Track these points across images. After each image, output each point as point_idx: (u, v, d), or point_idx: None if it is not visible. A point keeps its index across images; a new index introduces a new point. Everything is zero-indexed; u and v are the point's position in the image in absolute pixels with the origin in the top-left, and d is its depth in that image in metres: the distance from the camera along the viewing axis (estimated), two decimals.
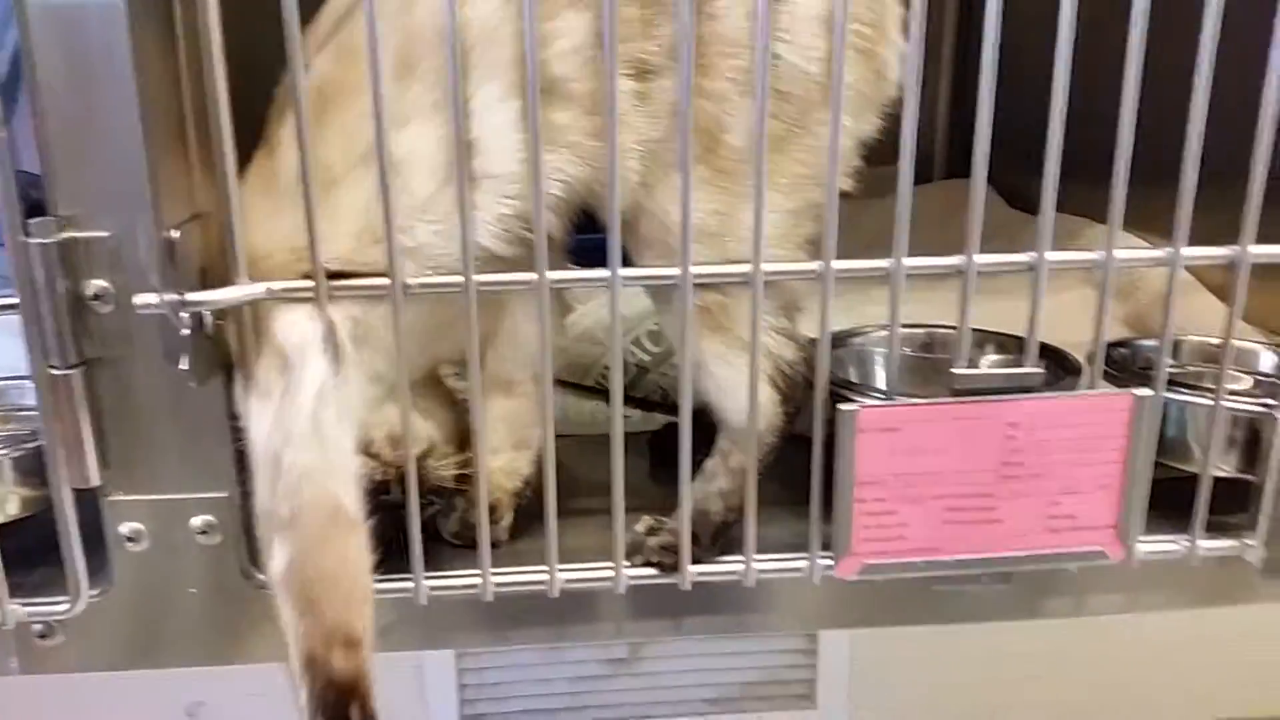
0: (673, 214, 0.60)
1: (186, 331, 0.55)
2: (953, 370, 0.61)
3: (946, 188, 1.55)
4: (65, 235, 0.56)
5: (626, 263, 0.60)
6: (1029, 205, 1.41)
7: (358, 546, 0.55)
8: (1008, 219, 1.35)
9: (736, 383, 0.63)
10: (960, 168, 1.66)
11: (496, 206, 0.61)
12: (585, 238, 0.66)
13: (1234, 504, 0.69)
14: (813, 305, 0.62)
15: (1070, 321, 0.70)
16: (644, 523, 0.67)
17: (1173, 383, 0.71)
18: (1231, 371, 0.74)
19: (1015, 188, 1.39)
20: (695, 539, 0.64)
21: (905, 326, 0.81)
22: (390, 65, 0.59)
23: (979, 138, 0.57)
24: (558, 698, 1.36)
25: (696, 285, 0.59)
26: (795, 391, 0.67)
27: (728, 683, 1.37)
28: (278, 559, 0.54)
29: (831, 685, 1.38)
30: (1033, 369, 0.62)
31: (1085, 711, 1.40)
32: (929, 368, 0.81)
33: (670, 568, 0.64)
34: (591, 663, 1.36)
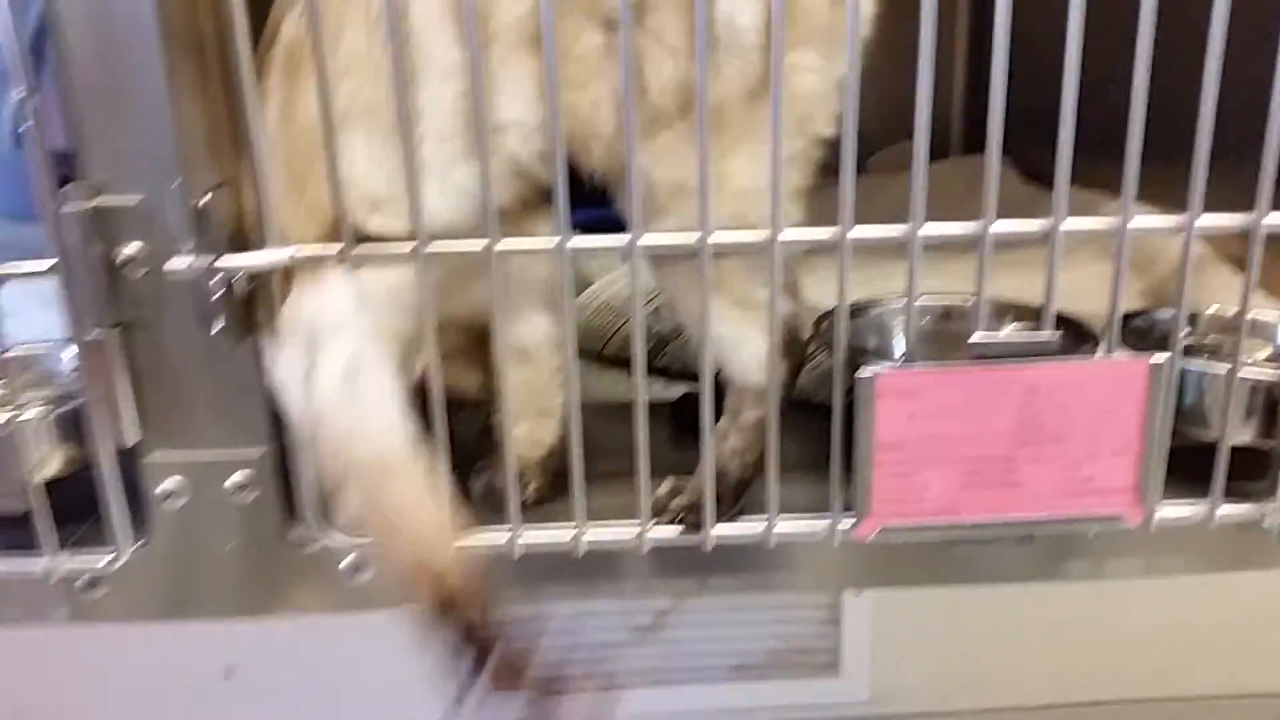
0: (653, 173, 0.60)
1: (217, 296, 0.57)
2: (971, 338, 0.62)
3: (963, 164, 1.54)
4: (97, 202, 0.58)
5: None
6: (1046, 180, 1.40)
7: (417, 488, 0.57)
8: (1024, 194, 1.35)
9: (736, 340, 0.64)
10: (977, 144, 1.65)
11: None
12: (589, 211, 0.66)
13: (1253, 471, 0.69)
14: (831, 273, 0.63)
15: (1090, 294, 0.71)
16: (667, 484, 0.68)
17: (1191, 352, 0.71)
18: (1249, 340, 0.74)
19: (1032, 162, 1.39)
20: (717, 499, 0.65)
21: (924, 297, 0.82)
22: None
23: (994, 106, 0.57)
24: (582, 664, 1.38)
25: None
26: (795, 346, 0.67)
27: (752, 650, 1.39)
28: (345, 513, 0.57)
29: (855, 653, 1.39)
30: (1050, 334, 0.62)
31: (1106, 676, 1.41)
32: (948, 337, 0.82)
33: (694, 526, 0.66)
34: (617, 629, 1.38)
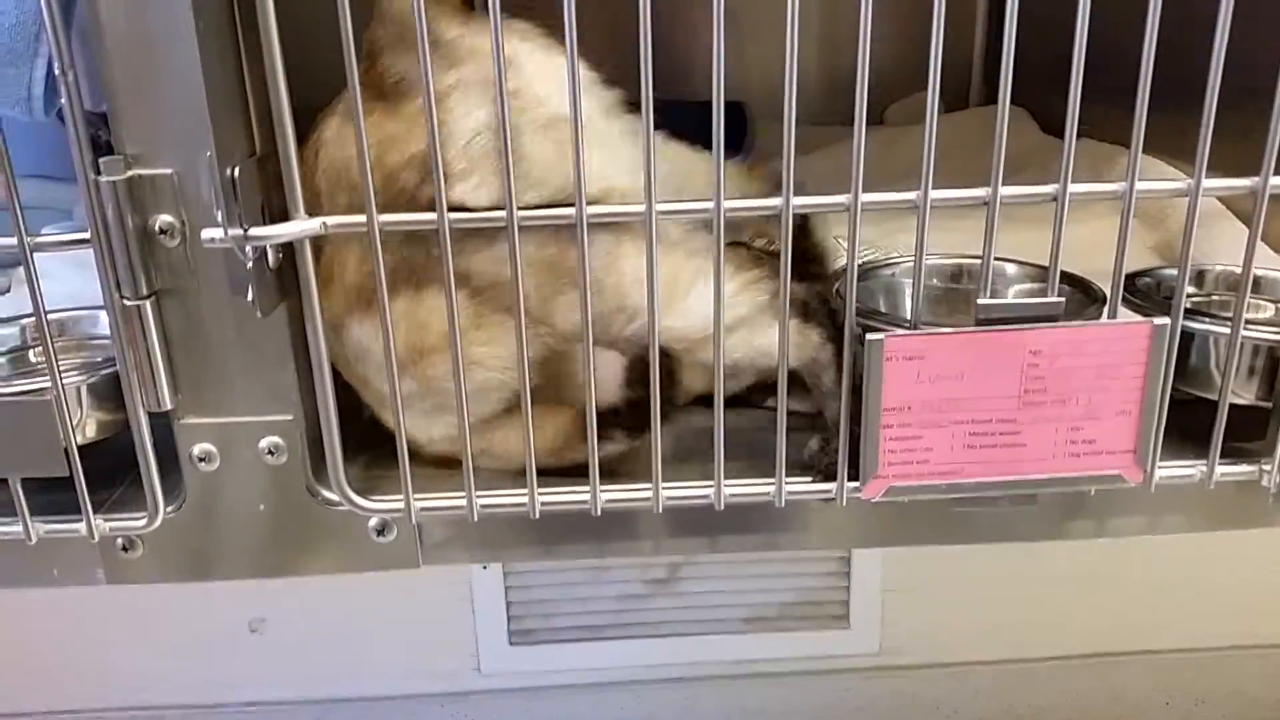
0: None
1: (250, 265, 0.59)
2: (977, 301, 0.63)
3: (982, 114, 1.54)
4: (132, 173, 0.60)
5: None
6: (1061, 130, 1.40)
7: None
8: (1043, 145, 1.35)
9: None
10: (997, 93, 1.65)
11: None
12: None
13: (1255, 431, 0.71)
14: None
15: (1104, 249, 0.72)
16: (816, 440, 0.72)
17: (1197, 312, 0.72)
18: (1254, 300, 0.75)
19: (1052, 113, 1.39)
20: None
21: (935, 257, 0.84)
22: None
23: (1004, 72, 0.58)
24: (601, 615, 1.42)
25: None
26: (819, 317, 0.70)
27: (764, 603, 1.43)
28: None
29: (864, 606, 1.43)
30: (1055, 298, 0.64)
31: (1111, 629, 1.44)
32: (958, 299, 0.83)
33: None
34: (634, 582, 1.42)
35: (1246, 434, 0.71)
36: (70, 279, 0.85)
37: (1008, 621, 1.47)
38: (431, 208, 0.59)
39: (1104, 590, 1.45)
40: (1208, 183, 0.62)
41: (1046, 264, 0.66)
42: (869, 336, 0.62)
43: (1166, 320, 0.63)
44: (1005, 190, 0.62)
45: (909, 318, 0.81)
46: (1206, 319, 0.71)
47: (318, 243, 0.61)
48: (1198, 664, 1.50)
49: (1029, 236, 0.74)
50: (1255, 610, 1.46)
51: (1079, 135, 1.28)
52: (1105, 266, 0.76)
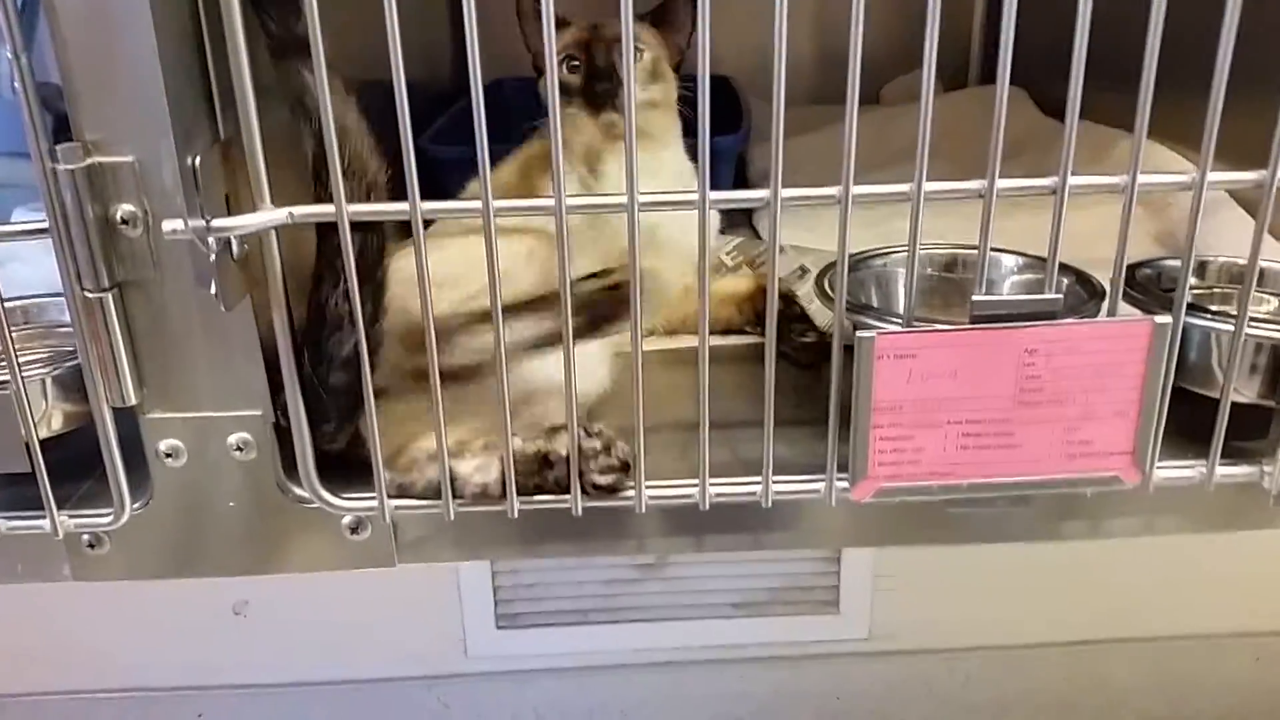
0: None
1: (214, 257, 0.56)
2: (973, 297, 0.61)
3: (981, 94, 1.51)
4: (91, 160, 0.57)
5: None
6: (1061, 111, 1.37)
7: None
8: (1042, 127, 1.32)
9: None
10: (996, 73, 1.62)
11: None
12: None
13: (1255, 430, 0.69)
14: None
15: (1102, 237, 0.69)
16: None
17: (1199, 307, 0.70)
18: (1256, 293, 0.73)
19: (1051, 94, 1.36)
20: None
21: (929, 246, 0.81)
22: None
23: (1002, 64, 0.56)
24: (589, 599, 1.41)
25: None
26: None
27: (754, 588, 1.41)
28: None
29: (855, 592, 1.42)
30: (1053, 295, 0.62)
31: (1097, 616, 1.43)
32: (952, 289, 0.81)
33: None
34: (622, 567, 1.40)
35: (1246, 432, 0.69)
36: (42, 261, 0.82)
37: (998, 607, 1.46)
38: None
39: (1094, 577, 1.45)
40: (1213, 175, 0.60)
41: (1043, 254, 0.64)
42: (858, 334, 0.60)
43: (1167, 318, 0.61)
44: (1002, 183, 0.60)
45: (900, 311, 0.79)
46: (1209, 315, 0.69)
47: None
48: (1187, 651, 1.50)
49: (1026, 221, 0.72)
50: (1245, 598, 1.46)
51: (1081, 119, 1.25)
52: (1104, 254, 0.74)
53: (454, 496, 0.64)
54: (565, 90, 0.99)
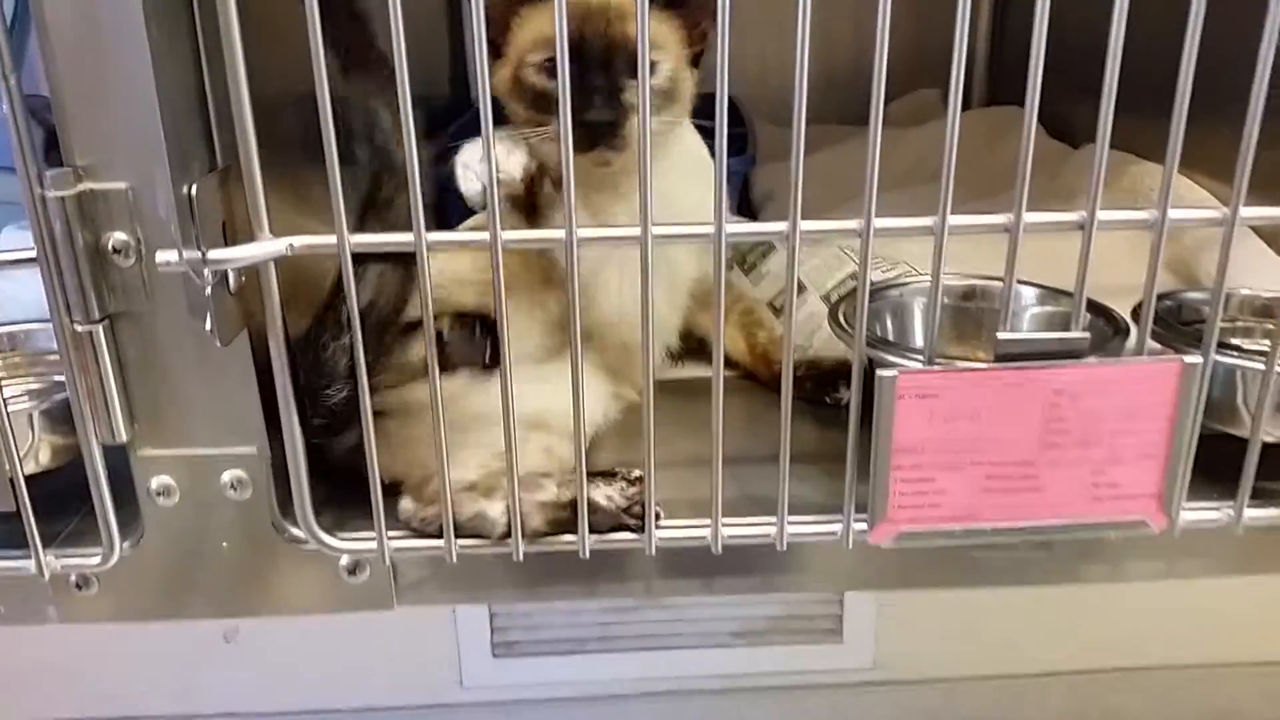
0: None
1: (209, 290, 0.54)
2: (997, 335, 0.59)
3: (987, 115, 1.50)
4: (83, 187, 0.55)
5: None
6: (1070, 134, 1.36)
7: None
8: (1048, 150, 1.31)
9: None
10: (1001, 94, 1.60)
11: None
12: None
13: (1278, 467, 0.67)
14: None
15: (1112, 263, 0.67)
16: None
17: (1222, 342, 0.68)
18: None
19: (1057, 116, 1.34)
20: None
21: (946, 276, 0.79)
22: None
23: (1030, 95, 0.54)
24: (587, 628, 1.38)
25: None
26: None
27: (755, 616, 1.38)
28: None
29: (858, 621, 1.39)
30: (1079, 334, 0.59)
31: (1103, 645, 1.41)
32: (968, 320, 0.79)
33: None
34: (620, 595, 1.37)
35: (1272, 472, 0.67)
36: (34, 284, 0.80)
37: (1004, 636, 1.43)
38: None
39: (1103, 605, 1.42)
40: (1245, 211, 0.58)
41: (1052, 279, 0.62)
42: (879, 373, 0.58)
43: (1197, 358, 0.59)
44: (1029, 217, 0.57)
45: (918, 344, 0.77)
46: (1237, 353, 0.67)
47: None
48: (1197, 681, 1.47)
49: (1032, 245, 0.69)
50: (1249, 627, 1.43)
51: (1087, 141, 1.23)
52: (1117, 282, 0.72)
53: (483, 537, 0.62)
54: (542, 102, 0.73)
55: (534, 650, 1.37)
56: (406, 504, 0.64)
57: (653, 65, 0.73)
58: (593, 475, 0.64)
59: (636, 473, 0.64)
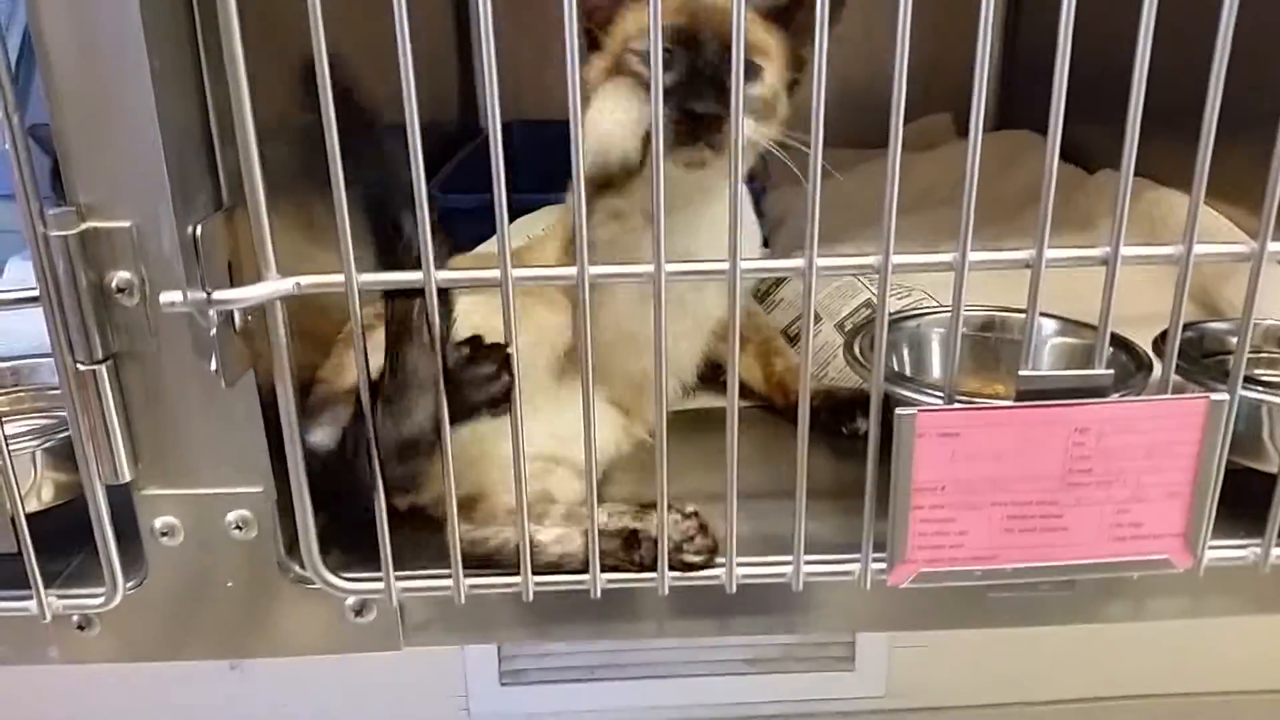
0: None
1: (214, 330, 0.53)
2: (1019, 372, 0.58)
3: (999, 139, 1.48)
4: (86, 226, 0.54)
5: None
6: (1081, 157, 1.34)
7: None
8: (1063, 175, 1.28)
9: None
10: (1011, 118, 1.59)
11: None
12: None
13: None
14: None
15: (1130, 290, 0.66)
16: None
17: (1245, 376, 0.67)
18: None
19: (1070, 138, 1.33)
20: None
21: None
22: None
23: (1051, 137, 0.53)
24: (596, 655, 1.36)
25: None
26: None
27: (767, 644, 1.36)
28: None
29: (871, 648, 1.37)
30: (1103, 371, 0.58)
31: (1118, 672, 1.39)
32: (986, 352, 0.77)
33: None
34: None
35: None
36: (36, 317, 0.79)
37: (1019, 664, 1.41)
38: None
39: (1114, 634, 1.40)
40: (1273, 245, 0.57)
41: (1075, 310, 0.60)
42: (899, 411, 0.57)
43: (1223, 396, 0.58)
44: (1051, 253, 0.56)
45: (936, 376, 0.76)
46: (1264, 388, 0.66)
47: None
48: (1212, 708, 1.45)
49: (1051, 272, 0.68)
50: (1265, 655, 1.41)
51: (1101, 166, 1.22)
52: (1136, 311, 0.71)
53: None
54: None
55: (542, 678, 1.35)
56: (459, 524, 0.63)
57: (758, 70, 0.71)
58: (648, 506, 0.63)
59: (692, 507, 0.63)
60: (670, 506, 0.62)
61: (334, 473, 0.61)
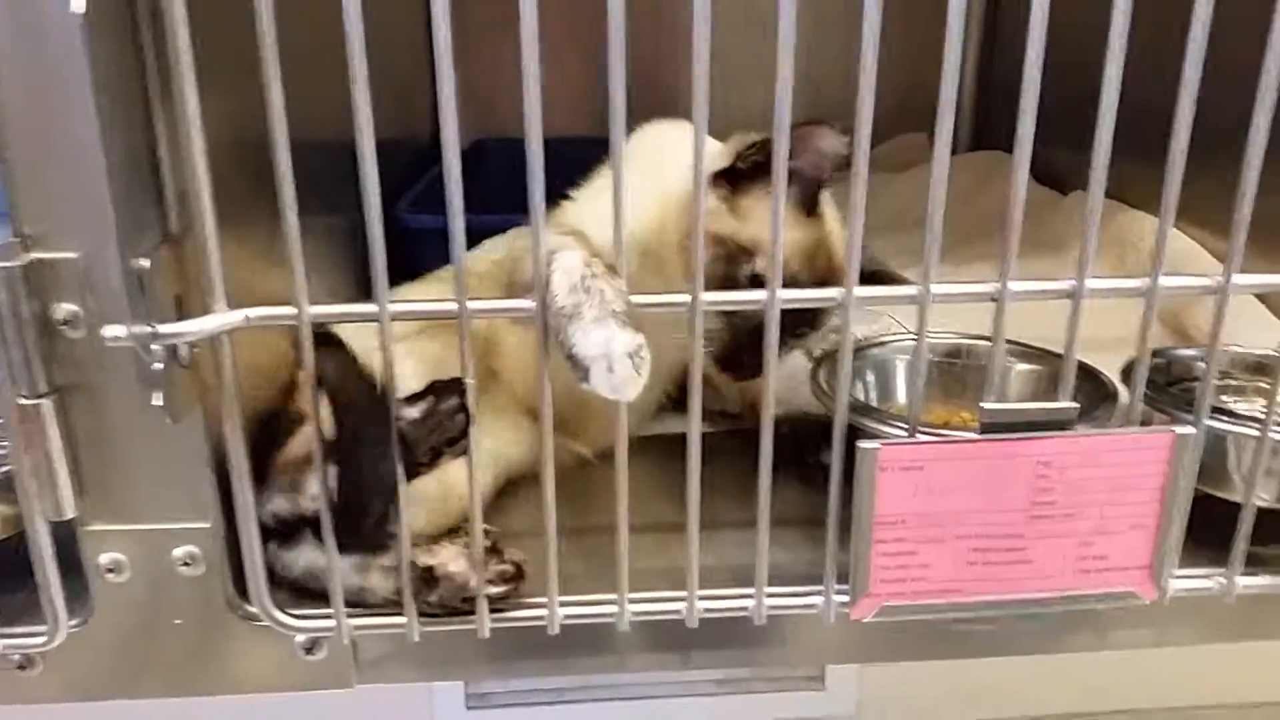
0: None
1: (160, 366, 0.51)
2: (982, 404, 0.57)
3: (973, 161, 1.48)
4: (31, 257, 0.52)
5: None
6: (1056, 179, 1.35)
7: None
8: (1035, 197, 1.30)
9: None
10: (987, 139, 1.59)
11: None
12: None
13: (1270, 533, 0.65)
14: None
15: (1097, 314, 0.66)
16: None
17: (1216, 409, 0.66)
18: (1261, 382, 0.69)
19: (1043, 160, 1.33)
20: None
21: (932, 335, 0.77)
22: None
23: (1018, 164, 0.52)
24: (564, 677, 1.35)
25: None
26: None
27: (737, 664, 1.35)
28: None
29: (842, 667, 1.36)
30: (1068, 404, 0.58)
31: (1091, 689, 1.39)
32: (952, 381, 0.77)
33: None
34: None
35: (1262, 536, 0.65)
36: None
37: (992, 680, 1.41)
38: None
39: (1087, 660, 1.39)
40: (1239, 278, 0.56)
41: (1041, 333, 0.59)
42: (860, 445, 0.56)
43: (1190, 430, 0.57)
44: (1015, 286, 0.56)
45: (902, 404, 0.75)
46: (1231, 419, 0.65)
47: None
48: None
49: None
50: (1238, 669, 1.41)
51: (1073, 188, 1.22)
52: (1102, 335, 0.70)
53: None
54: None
55: (508, 701, 1.34)
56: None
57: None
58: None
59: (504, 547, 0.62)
60: (456, 532, 0.63)
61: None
